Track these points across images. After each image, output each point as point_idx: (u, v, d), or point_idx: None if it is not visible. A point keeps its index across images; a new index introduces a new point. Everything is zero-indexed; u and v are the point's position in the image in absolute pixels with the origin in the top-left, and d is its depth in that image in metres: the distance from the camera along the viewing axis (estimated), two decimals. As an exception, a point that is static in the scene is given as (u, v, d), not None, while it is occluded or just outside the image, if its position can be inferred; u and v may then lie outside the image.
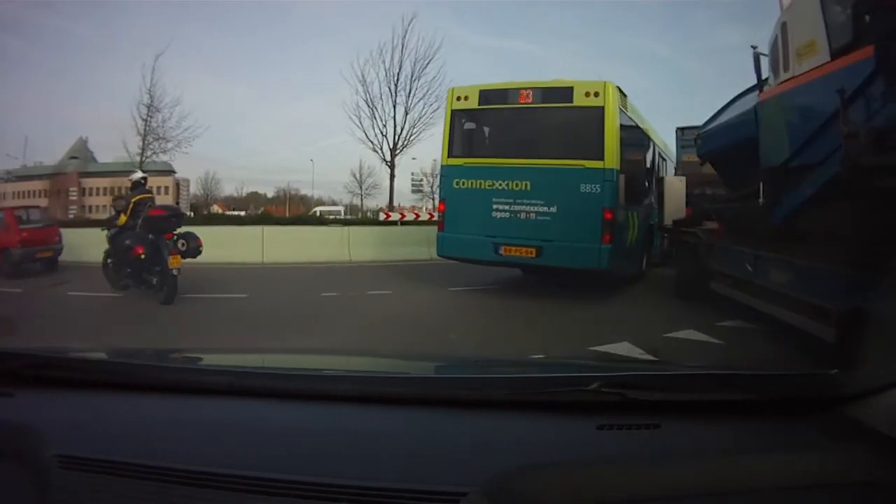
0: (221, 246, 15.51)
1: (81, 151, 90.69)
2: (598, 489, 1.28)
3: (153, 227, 9.83)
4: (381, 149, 33.46)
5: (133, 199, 10.56)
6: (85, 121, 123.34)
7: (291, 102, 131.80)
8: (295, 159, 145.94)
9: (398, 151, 33.45)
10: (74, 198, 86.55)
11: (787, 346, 6.34)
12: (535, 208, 10.14)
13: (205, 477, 1.31)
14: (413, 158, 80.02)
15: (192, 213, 51.31)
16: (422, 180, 70.33)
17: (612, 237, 9.59)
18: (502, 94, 10.71)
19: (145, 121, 37.57)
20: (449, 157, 11.08)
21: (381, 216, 25.44)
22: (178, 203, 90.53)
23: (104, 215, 62.62)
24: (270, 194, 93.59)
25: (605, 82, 9.79)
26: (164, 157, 37.94)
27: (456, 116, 11.10)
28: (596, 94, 9.87)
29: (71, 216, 66.05)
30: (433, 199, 73.02)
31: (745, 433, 1.45)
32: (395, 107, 33.69)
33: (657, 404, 1.53)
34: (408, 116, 33.48)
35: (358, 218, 46.45)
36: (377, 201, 73.62)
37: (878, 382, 1.43)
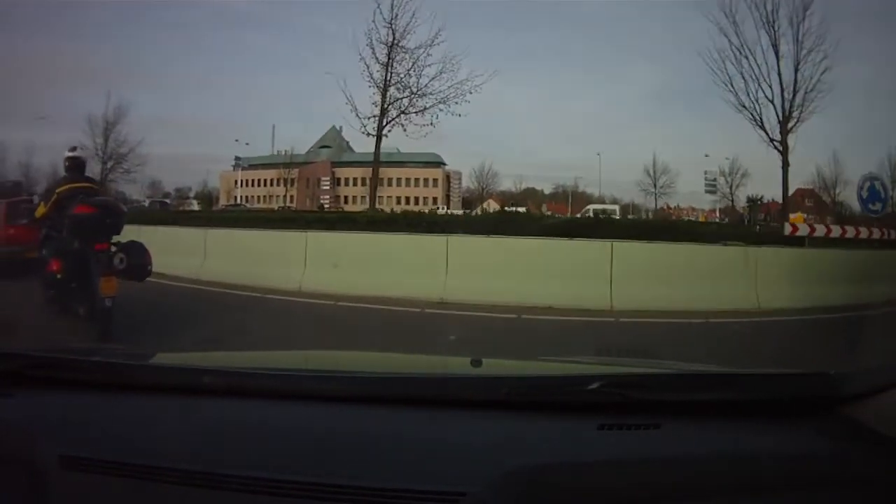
0: (476, 271, 11.24)
1: (335, 140, 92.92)
2: (599, 489, 1.44)
3: (79, 233, 7.40)
4: (761, 119, 25.80)
5: (58, 190, 7.92)
6: (341, 111, 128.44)
7: (575, 97, 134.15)
8: (578, 155, 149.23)
9: (792, 124, 23.79)
10: (327, 187, 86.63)
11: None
12: None
13: (205, 477, 1.44)
14: (706, 155, 72.60)
15: (464, 210, 48.13)
16: (715, 180, 62.33)
17: None
18: None
19: (385, 66, 26.40)
20: None
21: (786, 229, 19.28)
22: (448, 196, 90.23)
23: (360, 207, 59.02)
24: (548, 190, 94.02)
25: None
26: (418, 123, 27.15)
27: None
28: None
29: (326, 206, 64.90)
30: (732, 202, 67.70)
31: (745, 433, 1.60)
32: (778, 59, 25.78)
33: (657, 404, 1.69)
34: (797, 73, 25.45)
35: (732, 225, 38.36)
36: (670, 201, 73.52)
37: (877, 382, 1.57)
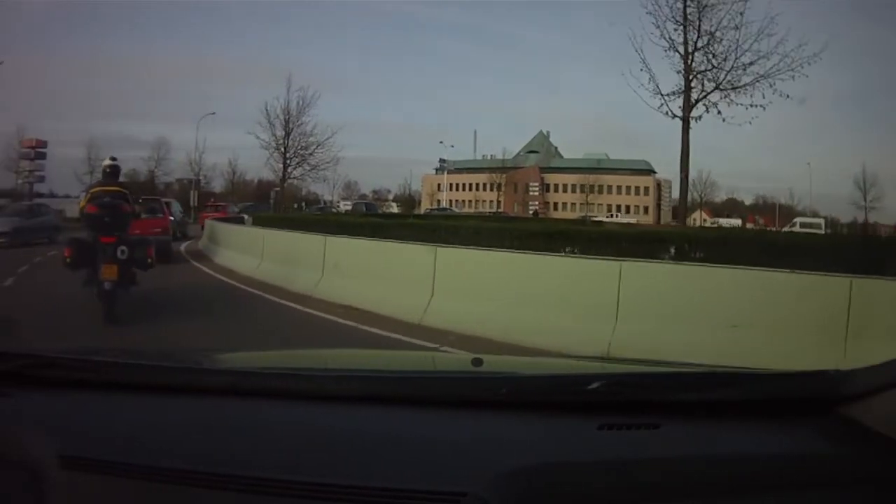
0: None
1: (542, 145, 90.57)
2: (598, 489, 1.45)
3: (87, 227, 9.61)
4: None
5: (91, 190, 9.99)
6: (546, 118, 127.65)
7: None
8: (776, 165, 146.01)
9: None
10: (535, 193, 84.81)
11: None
12: None
13: (205, 477, 1.46)
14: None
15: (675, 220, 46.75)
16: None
17: None
18: None
19: (682, 23, 20.01)
20: None
21: None
22: (658, 206, 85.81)
23: (570, 214, 57.23)
24: (748, 202, 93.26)
25: None
26: (742, 103, 20.58)
27: None
28: None
29: (536, 211, 63.47)
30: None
31: (745, 433, 1.59)
32: None
33: (657, 404, 1.69)
34: None
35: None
36: (880, 216, 68.44)
37: (877, 382, 1.53)
